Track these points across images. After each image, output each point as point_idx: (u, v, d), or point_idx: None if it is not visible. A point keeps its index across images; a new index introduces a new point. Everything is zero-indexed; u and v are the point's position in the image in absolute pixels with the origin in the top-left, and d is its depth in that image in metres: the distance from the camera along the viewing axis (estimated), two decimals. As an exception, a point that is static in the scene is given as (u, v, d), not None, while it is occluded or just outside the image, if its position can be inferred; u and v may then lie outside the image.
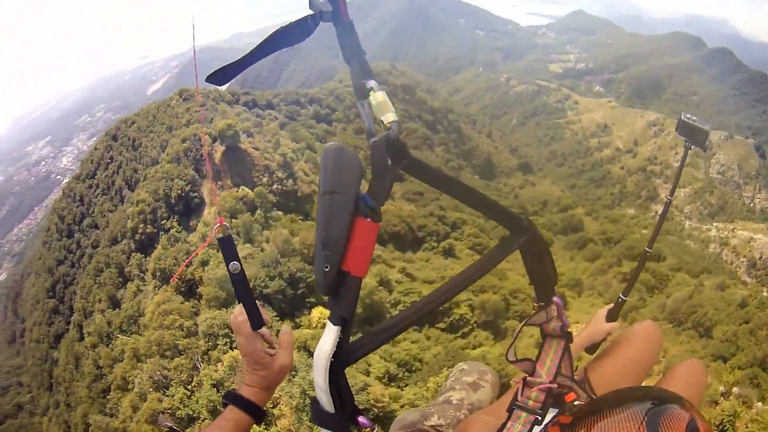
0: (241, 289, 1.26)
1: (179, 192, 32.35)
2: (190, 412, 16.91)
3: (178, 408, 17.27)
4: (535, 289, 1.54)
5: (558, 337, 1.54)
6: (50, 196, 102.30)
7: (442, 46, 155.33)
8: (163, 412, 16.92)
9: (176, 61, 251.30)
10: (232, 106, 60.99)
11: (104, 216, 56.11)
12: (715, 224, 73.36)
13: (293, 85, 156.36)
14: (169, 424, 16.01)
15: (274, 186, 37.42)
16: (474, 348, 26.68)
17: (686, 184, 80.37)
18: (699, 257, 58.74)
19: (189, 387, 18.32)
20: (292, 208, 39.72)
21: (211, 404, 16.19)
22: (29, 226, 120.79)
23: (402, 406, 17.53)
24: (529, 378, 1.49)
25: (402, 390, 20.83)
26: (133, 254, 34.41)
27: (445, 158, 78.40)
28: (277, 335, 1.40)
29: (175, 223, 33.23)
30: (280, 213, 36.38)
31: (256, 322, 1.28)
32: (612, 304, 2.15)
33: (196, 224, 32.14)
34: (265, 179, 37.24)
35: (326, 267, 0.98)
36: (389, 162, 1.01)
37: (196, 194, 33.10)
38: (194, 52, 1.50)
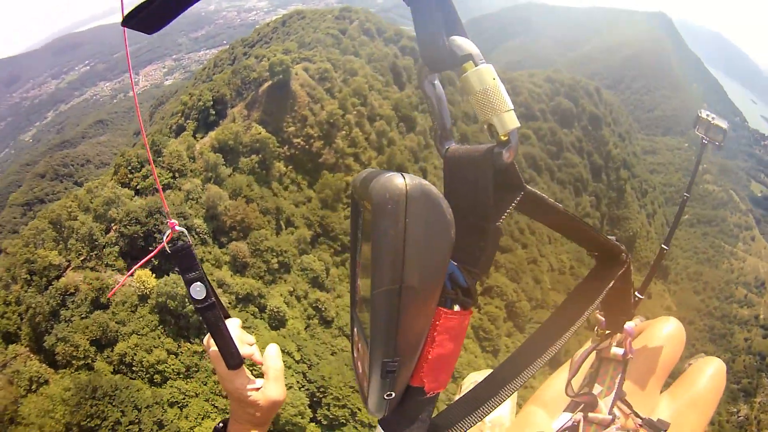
0: (211, 321, 1.02)
1: (201, 104, 32.96)
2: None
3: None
4: (605, 317, 1.32)
5: (616, 361, 1.39)
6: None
7: (666, 99, 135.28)
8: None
9: None
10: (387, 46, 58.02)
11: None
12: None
13: (503, 61, 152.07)
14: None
15: (298, 140, 35.57)
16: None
17: None
18: None
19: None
20: (308, 170, 37.57)
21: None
22: (213, 55, 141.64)
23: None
24: (591, 414, 1.32)
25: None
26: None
27: (587, 211, 66.61)
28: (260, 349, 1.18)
29: (192, 126, 34.44)
30: (285, 167, 34.90)
31: (232, 361, 1.07)
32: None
33: (199, 137, 32.68)
34: (292, 128, 35.57)
35: (389, 395, 0.66)
36: (491, 200, 0.63)
37: (215, 113, 33.28)
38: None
